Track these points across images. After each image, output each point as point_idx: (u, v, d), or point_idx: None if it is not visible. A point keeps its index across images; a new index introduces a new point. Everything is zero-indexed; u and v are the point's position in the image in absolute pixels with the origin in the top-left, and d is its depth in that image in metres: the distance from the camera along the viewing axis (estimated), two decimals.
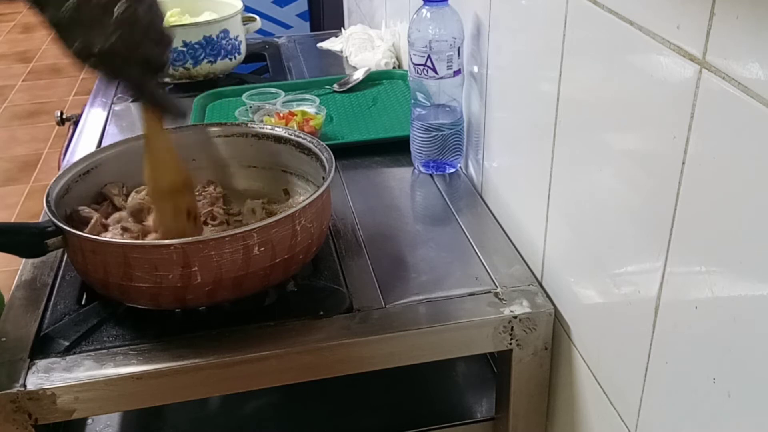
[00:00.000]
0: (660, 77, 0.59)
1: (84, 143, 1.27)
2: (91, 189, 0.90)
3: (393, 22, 1.59)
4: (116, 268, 0.74)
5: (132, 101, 1.40)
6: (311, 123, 1.17)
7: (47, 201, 0.80)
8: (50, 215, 0.78)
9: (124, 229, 0.85)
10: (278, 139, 0.94)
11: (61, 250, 0.81)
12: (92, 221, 0.84)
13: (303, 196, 0.92)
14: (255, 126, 0.98)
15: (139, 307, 0.80)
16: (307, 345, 0.77)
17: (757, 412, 0.51)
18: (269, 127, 0.96)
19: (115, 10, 0.68)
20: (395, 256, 0.91)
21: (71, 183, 0.87)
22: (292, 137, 0.93)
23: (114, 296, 0.79)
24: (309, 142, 0.91)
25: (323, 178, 0.84)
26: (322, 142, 0.90)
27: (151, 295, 0.75)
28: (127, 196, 0.92)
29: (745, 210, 0.50)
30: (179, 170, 0.82)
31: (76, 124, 1.45)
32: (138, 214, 0.88)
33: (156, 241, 0.82)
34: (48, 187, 0.83)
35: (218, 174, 0.98)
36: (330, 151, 0.88)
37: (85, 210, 0.86)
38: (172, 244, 0.74)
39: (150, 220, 0.86)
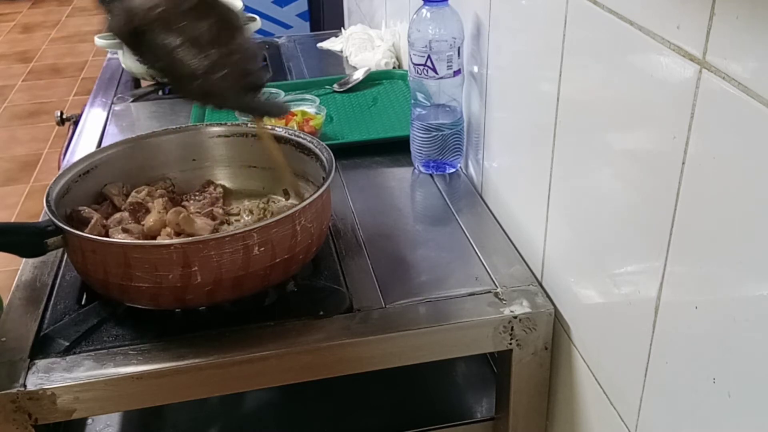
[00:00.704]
0: (660, 77, 0.59)
1: (84, 143, 1.27)
2: (91, 189, 0.90)
3: (393, 22, 1.59)
4: (116, 268, 0.74)
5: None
6: (311, 123, 1.17)
7: (47, 201, 0.80)
8: (50, 215, 0.78)
9: (125, 230, 0.85)
10: (278, 139, 0.93)
11: (61, 250, 0.81)
12: (92, 221, 0.84)
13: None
14: (255, 126, 0.98)
15: (139, 307, 0.80)
16: (307, 345, 0.77)
17: (757, 412, 0.51)
18: (269, 127, 0.96)
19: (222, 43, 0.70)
20: (395, 256, 0.91)
21: (71, 183, 0.87)
22: (292, 137, 0.93)
23: (114, 296, 0.79)
24: (309, 142, 0.91)
25: (323, 178, 0.84)
26: (322, 142, 0.90)
27: (151, 295, 0.75)
28: (127, 196, 0.91)
29: (745, 210, 0.50)
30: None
31: (76, 124, 1.45)
32: (136, 214, 0.88)
33: (156, 241, 0.82)
34: (48, 187, 0.83)
35: (218, 174, 0.98)
36: (330, 151, 0.88)
37: (85, 210, 0.86)
38: (172, 244, 0.74)
39: (149, 220, 0.86)
